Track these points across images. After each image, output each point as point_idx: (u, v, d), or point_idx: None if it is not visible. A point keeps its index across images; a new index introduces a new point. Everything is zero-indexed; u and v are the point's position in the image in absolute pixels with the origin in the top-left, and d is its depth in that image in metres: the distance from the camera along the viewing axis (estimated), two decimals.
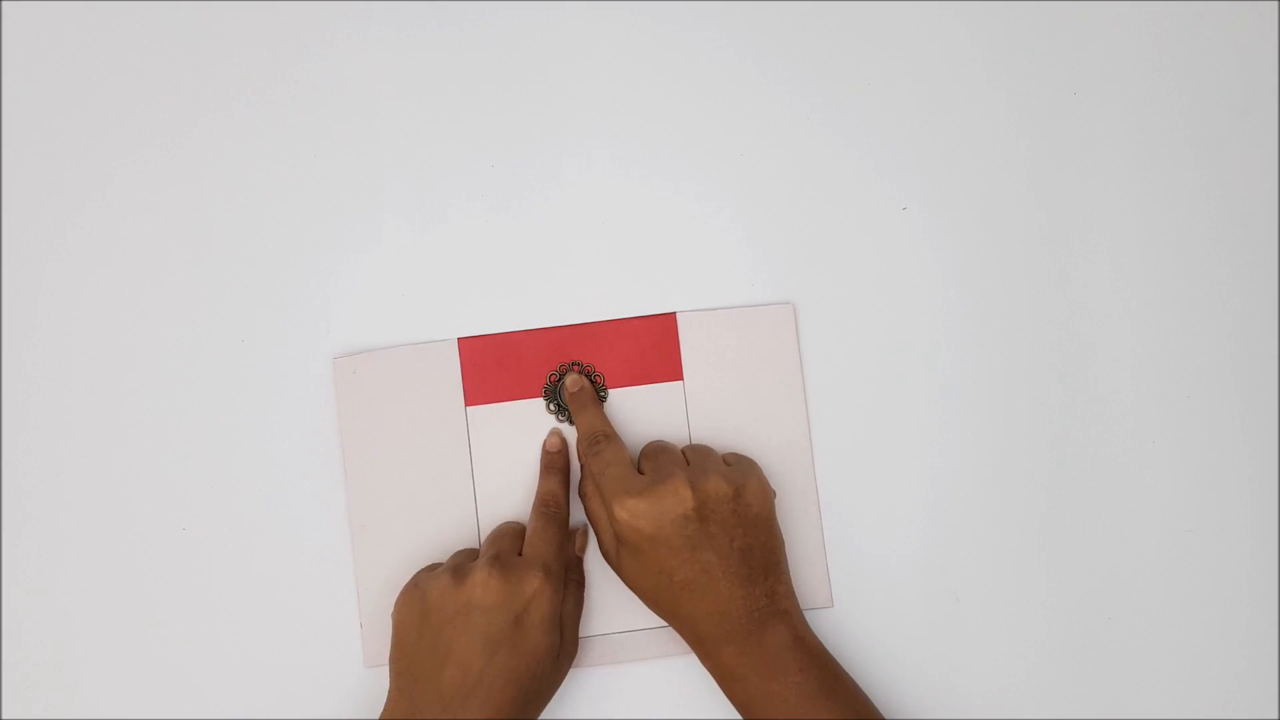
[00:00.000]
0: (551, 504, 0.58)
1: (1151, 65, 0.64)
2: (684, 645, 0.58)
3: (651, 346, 0.61)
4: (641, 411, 0.59)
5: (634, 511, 0.54)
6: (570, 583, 0.58)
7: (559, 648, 0.55)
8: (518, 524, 0.59)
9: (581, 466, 0.59)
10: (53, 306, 0.61)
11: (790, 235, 0.62)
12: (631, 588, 0.57)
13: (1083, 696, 0.60)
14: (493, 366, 0.61)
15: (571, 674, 0.59)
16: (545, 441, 0.60)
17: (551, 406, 0.60)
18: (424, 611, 0.54)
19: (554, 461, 0.60)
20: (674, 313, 0.61)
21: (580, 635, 0.59)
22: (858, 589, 0.60)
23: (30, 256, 0.61)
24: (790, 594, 0.56)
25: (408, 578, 0.58)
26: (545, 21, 0.63)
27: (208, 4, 0.62)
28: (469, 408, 0.60)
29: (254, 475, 0.60)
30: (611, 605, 0.59)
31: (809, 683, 0.54)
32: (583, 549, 0.60)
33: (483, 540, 0.59)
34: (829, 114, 0.63)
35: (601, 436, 0.58)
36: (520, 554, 0.56)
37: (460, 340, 0.61)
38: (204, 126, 0.62)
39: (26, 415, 0.61)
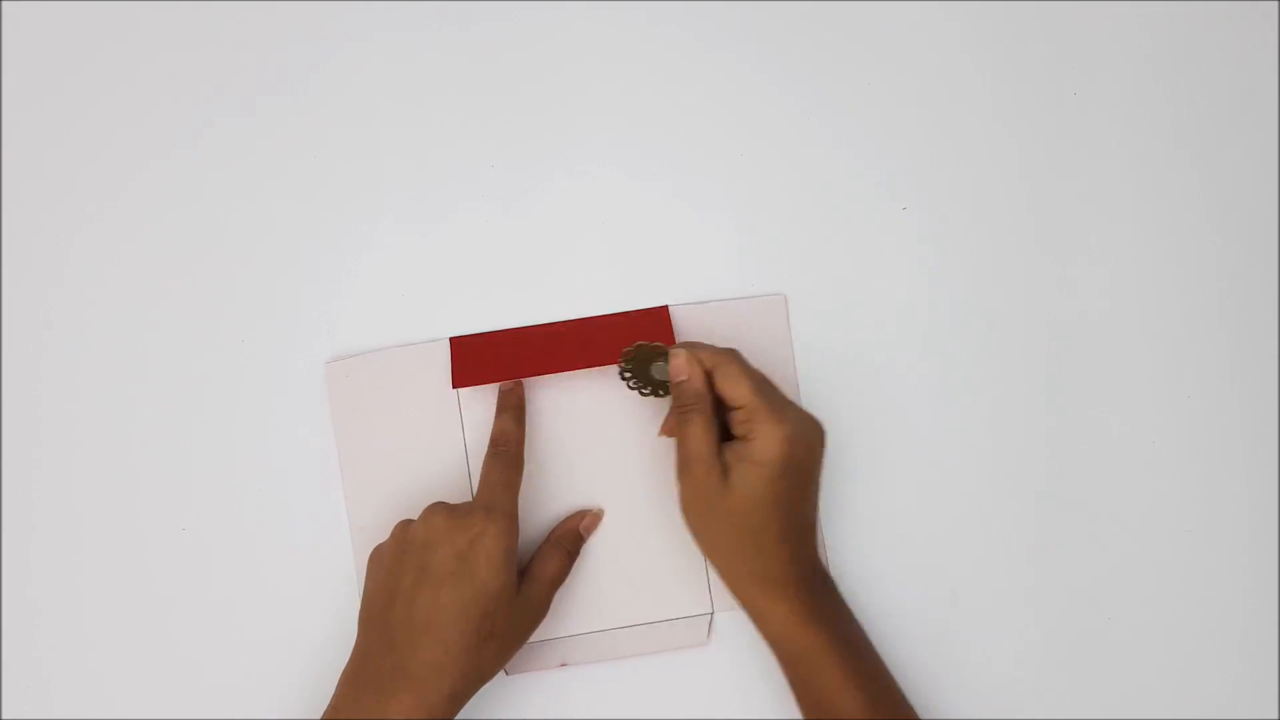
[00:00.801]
0: (502, 443, 0.57)
1: (1151, 65, 0.64)
2: (680, 641, 0.58)
3: (644, 340, 0.60)
4: (636, 406, 0.58)
5: (803, 429, 0.52)
6: (561, 550, 0.57)
7: (514, 588, 0.54)
8: None
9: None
10: (53, 309, 0.61)
11: (783, 228, 0.62)
12: (753, 516, 0.52)
13: (1082, 696, 0.59)
14: (486, 365, 0.60)
15: (567, 672, 0.59)
16: (501, 384, 0.60)
17: (627, 373, 0.57)
18: (379, 558, 0.56)
19: (507, 400, 0.59)
20: (666, 306, 0.61)
21: (575, 633, 0.59)
22: (855, 581, 0.60)
23: (30, 258, 0.62)
24: None
25: None
26: (543, 23, 0.63)
27: (207, 6, 0.63)
28: (463, 407, 0.60)
29: (255, 476, 0.60)
30: (605, 601, 0.59)
31: (863, 630, 0.55)
32: (589, 530, 0.59)
33: None
34: (828, 113, 0.63)
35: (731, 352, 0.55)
36: None
37: (452, 339, 0.61)
38: (202, 129, 0.62)
39: (26, 415, 0.61)
